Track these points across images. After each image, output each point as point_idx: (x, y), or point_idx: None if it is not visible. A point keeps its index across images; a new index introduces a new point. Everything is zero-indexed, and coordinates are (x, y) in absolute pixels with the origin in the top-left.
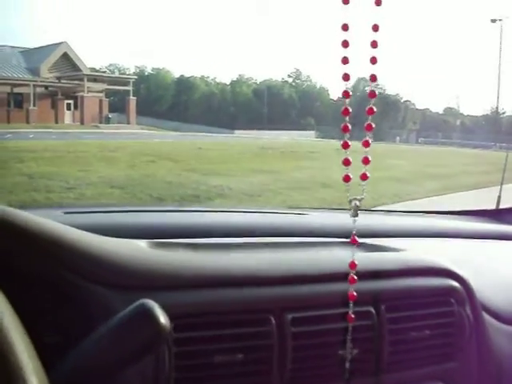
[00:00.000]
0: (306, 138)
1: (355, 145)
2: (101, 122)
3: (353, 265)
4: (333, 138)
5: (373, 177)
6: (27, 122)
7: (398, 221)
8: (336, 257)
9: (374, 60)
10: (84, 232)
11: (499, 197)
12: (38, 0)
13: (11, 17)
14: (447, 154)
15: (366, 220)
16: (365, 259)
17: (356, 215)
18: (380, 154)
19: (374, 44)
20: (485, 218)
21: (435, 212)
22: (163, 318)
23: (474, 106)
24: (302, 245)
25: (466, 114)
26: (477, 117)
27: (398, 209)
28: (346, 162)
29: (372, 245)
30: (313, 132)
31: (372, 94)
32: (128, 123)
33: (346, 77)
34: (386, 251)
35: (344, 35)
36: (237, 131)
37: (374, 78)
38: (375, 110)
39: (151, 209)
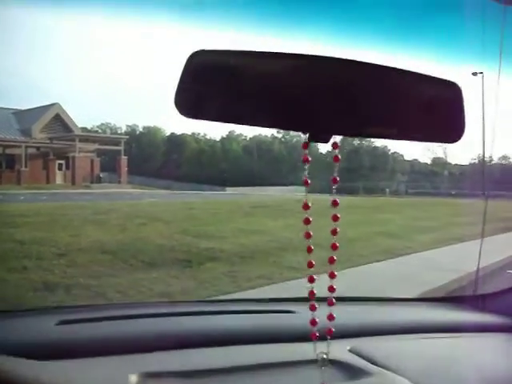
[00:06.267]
0: (297, 192)
1: (345, 199)
2: (92, 182)
3: None
4: (324, 192)
5: (365, 232)
6: (18, 183)
7: (373, 313)
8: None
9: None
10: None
11: (477, 279)
12: (30, 61)
13: (3, 78)
14: (436, 206)
15: (341, 315)
16: None
17: (324, 365)
18: (370, 209)
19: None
20: (463, 305)
21: (414, 299)
22: None
23: (461, 155)
24: (277, 366)
25: (453, 163)
26: (464, 166)
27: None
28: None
29: (342, 364)
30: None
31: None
32: (119, 183)
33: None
34: (355, 373)
35: None
36: (228, 188)
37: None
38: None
39: (143, 313)
